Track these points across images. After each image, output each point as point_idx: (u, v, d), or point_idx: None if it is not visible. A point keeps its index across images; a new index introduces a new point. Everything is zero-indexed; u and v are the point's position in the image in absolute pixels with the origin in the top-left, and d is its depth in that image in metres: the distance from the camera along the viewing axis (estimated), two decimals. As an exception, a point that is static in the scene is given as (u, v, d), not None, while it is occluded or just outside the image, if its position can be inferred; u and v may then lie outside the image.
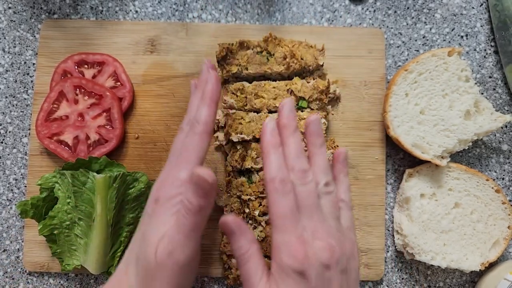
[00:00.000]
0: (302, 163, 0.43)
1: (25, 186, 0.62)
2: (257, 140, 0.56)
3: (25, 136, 0.63)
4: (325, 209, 0.43)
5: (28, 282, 0.61)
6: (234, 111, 0.56)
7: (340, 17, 0.64)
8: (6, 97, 0.63)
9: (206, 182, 0.39)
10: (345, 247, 0.42)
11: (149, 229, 0.42)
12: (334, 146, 0.57)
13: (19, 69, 0.64)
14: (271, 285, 0.40)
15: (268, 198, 0.42)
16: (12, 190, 0.62)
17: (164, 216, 0.41)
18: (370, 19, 0.64)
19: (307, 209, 0.41)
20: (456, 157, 0.63)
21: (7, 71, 0.64)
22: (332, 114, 0.62)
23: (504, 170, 0.63)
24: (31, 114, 0.63)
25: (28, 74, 0.64)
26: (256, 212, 0.55)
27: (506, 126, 0.64)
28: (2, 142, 0.63)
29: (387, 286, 0.61)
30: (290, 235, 0.40)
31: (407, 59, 0.64)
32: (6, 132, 0.63)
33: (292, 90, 0.56)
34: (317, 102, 0.56)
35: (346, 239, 0.43)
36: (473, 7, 0.65)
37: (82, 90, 0.59)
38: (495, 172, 0.63)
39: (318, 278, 0.39)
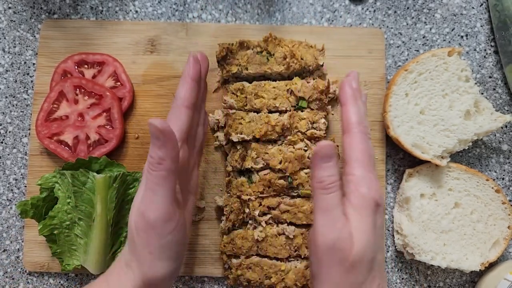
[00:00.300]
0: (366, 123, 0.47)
1: (25, 186, 0.62)
2: (257, 140, 0.56)
3: (25, 136, 0.63)
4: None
5: (28, 282, 0.61)
6: (234, 111, 0.56)
7: (340, 17, 0.64)
8: (6, 97, 0.63)
9: (157, 129, 0.40)
10: (382, 197, 0.46)
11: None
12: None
13: (19, 69, 0.64)
14: (350, 215, 0.42)
15: (354, 136, 0.45)
16: (12, 190, 0.62)
17: (141, 185, 0.44)
18: (370, 19, 0.64)
19: (371, 161, 0.45)
20: (456, 157, 0.63)
21: (7, 71, 0.64)
22: (332, 114, 0.62)
23: (504, 170, 0.63)
24: (31, 114, 0.63)
25: (28, 74, 0.64)
26: (256, 212, 0.55)
27: (506, 126, 0.64)
28: (2, 142, 0.63)
29: (387, 286, 0.61)
30: (370, 172, 0.43)
31: (407, 59, 0.64)
32: (6, 132, 0.63)
33: (292, 90, 0.56)
34: (317, 102, 0.56)
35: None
36: (473, 7, 0.65)
37: (82, 90, 0.59)
38: (495, 172, 0.63)
39: (378, 213, 0.43)
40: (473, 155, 0.63)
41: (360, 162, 0.44)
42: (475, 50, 0.64)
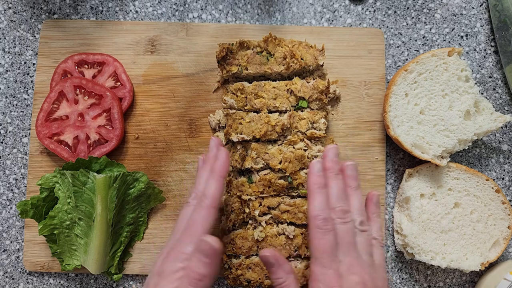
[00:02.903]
0: (343, 204, 0.48)
1: (25, 186, 0.62)
2: (257, 140, 0.56)
3: (25, 136, 0.63)
4: (360, 245, 0.48)
5: (28, 282, 0.61)
6: (234, 111, 0.56)
7: (340, 17, 0.64)
8: (6, 97, 0.63)
9: (213, 249, 0.43)
10: (376, 282, 0.46)
11: None
12: None
13: (19, 69, 0.64)
14: None
15: (310, 232, 0.48)
16: (12, 190, 0.62)
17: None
18: (370, 19, 0.64)
19: (344, 246, 0.46)
20: (456, 157, 0.63)
21: (7, 71, 0.64)
22: (332, 114, 0.62)
23: (504, 170, 0.63)
24: (31, 114, 0.63)
25: (28, 74, 0.64)
26: (256, 212, 0.55)
27: (506, 126, 0.64)
28: (2, 142, 0.63)
29: (387, 286, 0.61)
30: (328, 268, 0.45)
31: (407, 59, 0.64)
32: (6, 132, 0.63)
33: (292, 90, 0.56)
34: (317, 102, 0.56)
35: (378, 275, 0.48)
36: (473, 7, 0.65)
37: (82, 90, 0.59)
38: (495, 172, 0.63)
39: None
40: (473, 155, 0.63)
41: (315, 259, 0.46)
42: (475, 50, 0.64)
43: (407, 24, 0.64)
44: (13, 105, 0.63)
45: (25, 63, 0.64)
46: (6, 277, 0.61)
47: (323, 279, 0.45)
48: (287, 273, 0.47)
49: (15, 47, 0.64)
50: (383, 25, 0.64)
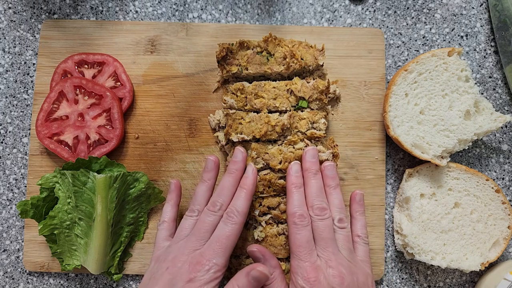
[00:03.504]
0: (321, 201, 0.50)
1: (25, 186, 0.62)
2: (257, 140, 0.56)
3: (25, 136, 0.63)
4: (339, 242, 0.50)
5: (28, 282, 0.61)
6: (234, 111, 0.56)
7: (340, 17, 0.64)
8: (6, 97, 0.63)
9: (266, 276, 0.47)
10: (356, 277, 0.47)
11: None
12: (334, 146, 0.57)
13: (19, 69, 0.64)
14: None
15: (288, 230, 0.50)
16: (12, 190, 0.62)
17: None
18: (370, 19, 0.64)
19: (322, 241, 0.48)
20: (456, 157, 0.63)
21: (7, 71, 0.64)
22: (332, 114, 0.62)
23: (504, 170, 0.63)
24: (31, 114, 0.63)
25: (28, 74, 0.64)
26: (256, 212, 0.55)
27: (506, 126, 0.64)
28: (2, 142, 0.63)
29: (387, 286, 0.61)
30: (305, 261, 0.47)
31: (407, 59, 0.64)
32: (6, 132, 0.63)
33: (292, 90, 0.56)
34: (317, 102, 0.56)
35: (359, 270, 0.48)
36: (473, 7, 0.65)
37: (82, 90, 0.59)
38: (495, 172, 0.63)
39: None
40: (473, 155, 0.63)
41: (293, 254, 0.48)
42: (475, 50, 0.64)
43: (407, 24, 0.64)
44: (13, 105, 0.63)
45: (25, 63, 0.64)
46: (6, 277, 0.61)
47: (300, 272, 0.46)
48: (274, 267, 0.49)
49: (15, 47, 0.64)
50: (383, 25, 0.64)
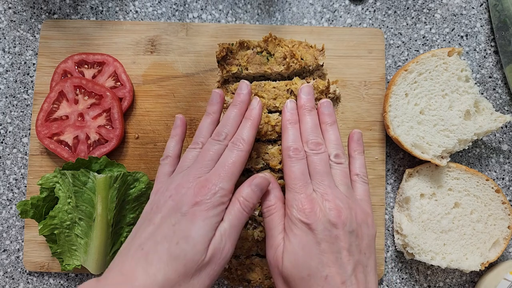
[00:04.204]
0: (316, 136, 0.49)
1: (25, 186, 0.62)
2: (257, 140, 0.56)
3: (25, 136, 0.63)
4: (336, 177, 0.48)
5: (28, 282, 0.61)
6: (234, 111, 0.56)
7: (340, 17, 0.64)
8: (6, 97, 0.63)
9: (268, 182, 0.47)
10: (355, 212, 0.46)
11: (189, 228, 0.42)
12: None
13: (19, 69, 0.64)
14: (284, 236, 0.45)
15: (283, 164, 0.49)
16: (12, 190, 0.62)
17: (210, 218, 0.43)
18: (370, 19, 0.64)
19: (318, 175, 0.47)
20: (456, 157, 0.63)
21: (7, 71, 0.64)
22: (332, 114, 0.62)
23: (504, 170, 0.63)
24: (31, 114, 0.63)
25: (28, 74, 0.64)
26: (256, 212, 0.55)
27: (506, 126, 0.64)
28: (2, 142, 0.63)
29: (387, 286, 0.61)
30: (300, 193, 0.45)
31: (407, 59, 0.64)
32: (6, 132, 0.63)
33: (292, 90, 0.56)
34: (317, 102, 0.56)
35: (357, 207, 0.47)
36: (473, 7, 0.65)
37: (82, 90, 0.59)
38: (495, 172, 0.63)
39: (324, 233, 0.43)
40: (473, 155, 0.63)
41: (288, 187, 0.47)
42: (475, 50, 0.64)
43: (407, 24, 0.64)
44: (13, 105, 0.63)
45: (25, 63, 0.64)
46: (6, 277, 0.61)
47: (295, 204, 0.45)
48: (277, 198, 0.48)
49: (15, 47, 0.64)
50: (383, 25, 0.64)
